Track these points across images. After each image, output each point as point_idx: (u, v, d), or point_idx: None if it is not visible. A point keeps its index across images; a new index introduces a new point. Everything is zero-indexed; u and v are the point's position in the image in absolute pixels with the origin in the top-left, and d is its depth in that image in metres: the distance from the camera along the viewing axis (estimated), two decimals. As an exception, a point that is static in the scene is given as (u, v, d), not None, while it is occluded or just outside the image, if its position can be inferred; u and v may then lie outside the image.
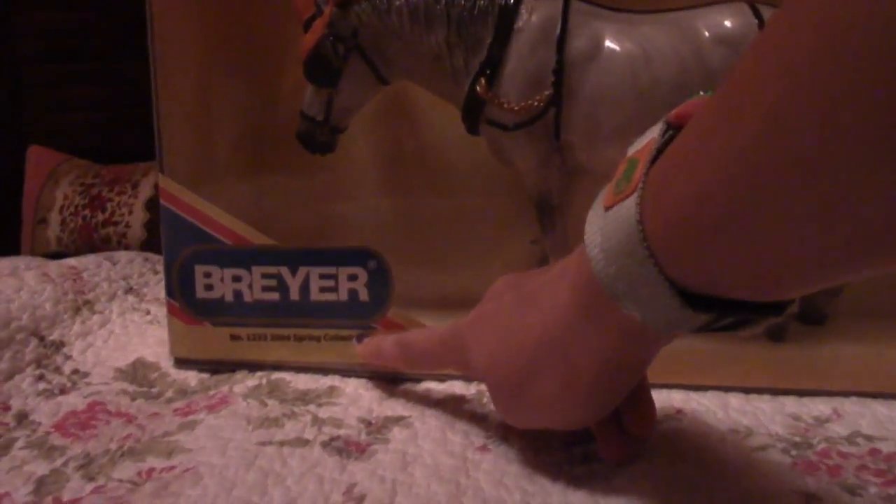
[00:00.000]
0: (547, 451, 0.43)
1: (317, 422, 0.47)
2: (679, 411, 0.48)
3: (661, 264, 0.29)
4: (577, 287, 0.35)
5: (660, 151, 0.31)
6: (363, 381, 0.54)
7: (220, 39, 0.54)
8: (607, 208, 0.32)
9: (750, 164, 0.25)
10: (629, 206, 0.30)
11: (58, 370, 0.55)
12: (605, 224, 0.32)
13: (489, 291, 0.43)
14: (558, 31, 0.49)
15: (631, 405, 0.40)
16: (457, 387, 0.53)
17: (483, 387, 0.52)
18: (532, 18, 0.49)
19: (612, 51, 0.49)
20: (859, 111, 0.21)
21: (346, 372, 0.55)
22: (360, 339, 0.54)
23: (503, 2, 0.50)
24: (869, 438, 0.45)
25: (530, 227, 0.53)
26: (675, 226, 0.28)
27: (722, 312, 0.30)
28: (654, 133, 0.32)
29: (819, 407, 0.49)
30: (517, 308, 0.40)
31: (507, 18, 0.49)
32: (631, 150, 0.33)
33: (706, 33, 0.49)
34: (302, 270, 0.54)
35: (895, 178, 0.21)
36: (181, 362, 0.57)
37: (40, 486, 0.40)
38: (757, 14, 0.48)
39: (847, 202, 0.23)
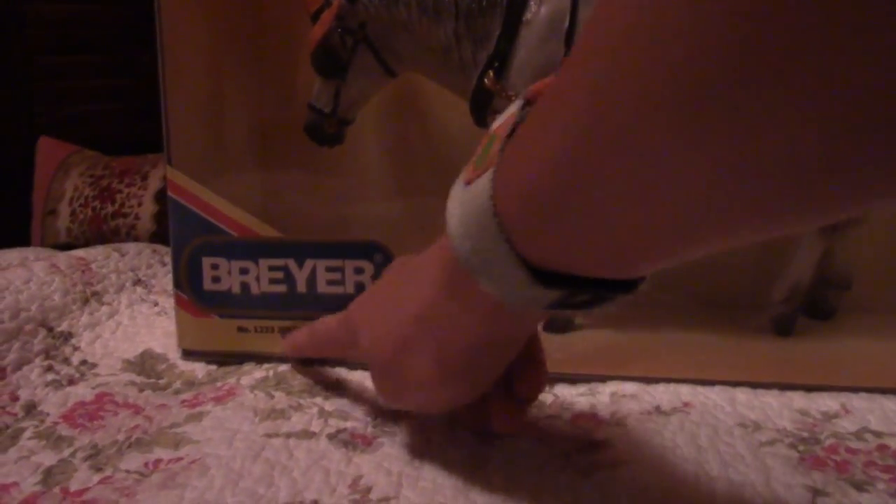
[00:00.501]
0: (554, 442, 0.43)
1: (323, 414, 0.48)
2: (686, 404, 0.48)
3: (512, 240, 0.30)
4: (442, 264, 0.36)
5: (515, 128, 0.31)
6: (370, 373, 0.54)
7: (229, 32, 0.54)
8: (466, 184, 0.32)
9: (580, 140, 0.25)
10: (484, 181, 0.30)
11: (66, 361, 0.55)
12: (463, 200, 0.32)
13: (382, 273, 0.44)
14: (567, 23, 0.49)
15: (519, 366, 0.40)
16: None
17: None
18: (541, 10, 0.49)
19: (621, 43, 0.49)
20: (670, 87, 0.21)
21: (353, 364, 0.55)
22: (283, 333, 0.54)
23: (512, -6, 0.49)
24: (877, 434, 0.44)
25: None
26: (524, 202, 0.29)
27: (573, 289, 0.30)
28: (513, 109, 0.32)
29: (827, 402, 0.48)
30: (398, 285, 0.40)
31: (515, 10, 0.49)
32: (493, 126, 0.33)
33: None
34: (309, 263, 0.54)
35: (707, 153, 0.21)
36: (189, 354, 0.57)
37: (48, 476, 0.41)
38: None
39: (668, 179, 0.23)
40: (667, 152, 0.22)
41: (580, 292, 0.31)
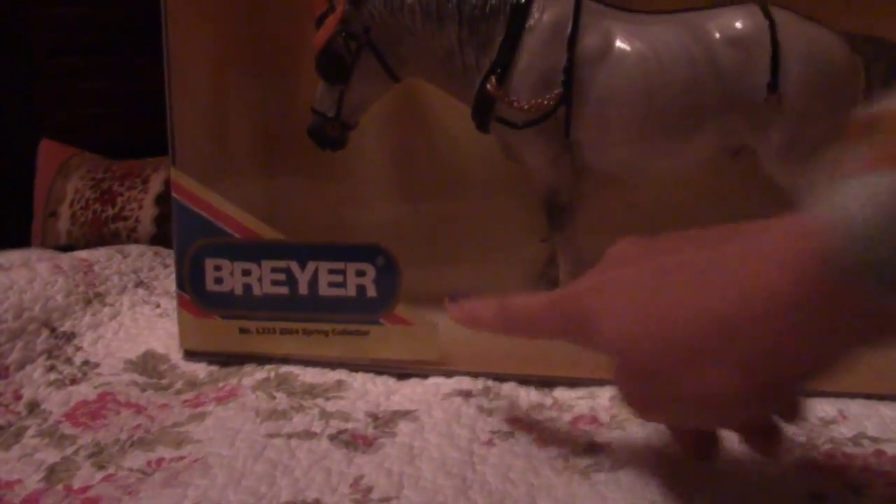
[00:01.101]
0: (552, 444, 0.43)
1: (324, 415, 0.48)
2: (685, 410, 0.48)
3: None
4: (795, 268, 0.29)
5: None
6: (370, 375, 0.54)
7: (234, 37, 0.54)
8: (862, 174, 0.26)
9: None
10: None
11: (69, 361, 0.56)
12: (869, 194, 0.26)
13: (610, 256, 0.37)
14: (570, 30, 0.49)
15: None
16: (464, 382, 0.53)
17: (490, 382, 0.52)
18: (544, 17, 0.50)
19: (623, 51, 0.49)
20: None
21: (354, 366, 0.55)
22: (453, 299, 0.46)
23: (515, 0, 0.50)
24: (874, 440, 0.45)
25: (539, 225, 0.53)
26: None
27: None
28: None
29: (825, 408, 0.49)
30: (666, 279, 0.34)
31: (518, 17, 0.50)
32: (884, 107, 0.28)
33: (717, 34, 0.49)
34: (311, 265, 0.55)
35: None
36: (191, 354, 0.58)
37: (51, 473, 0.41)
38: (767, 15, 0.48)
39: None
40: None
41: None
